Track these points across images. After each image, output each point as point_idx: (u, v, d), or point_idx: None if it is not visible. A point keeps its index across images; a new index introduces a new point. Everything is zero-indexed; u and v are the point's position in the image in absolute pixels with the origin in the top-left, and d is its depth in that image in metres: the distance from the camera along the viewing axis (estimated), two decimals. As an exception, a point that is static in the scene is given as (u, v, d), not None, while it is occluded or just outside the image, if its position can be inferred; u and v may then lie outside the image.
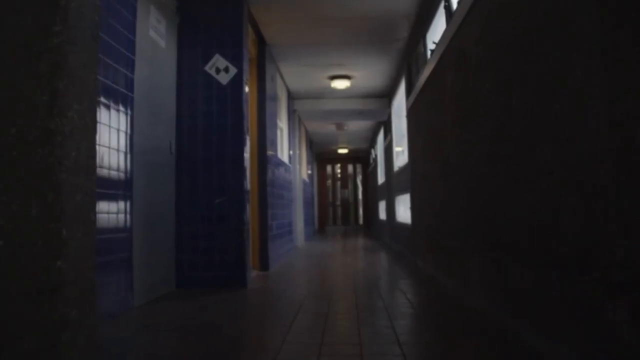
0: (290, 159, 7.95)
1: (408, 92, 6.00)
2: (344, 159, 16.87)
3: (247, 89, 4.52)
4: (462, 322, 2.69)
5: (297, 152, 9.06)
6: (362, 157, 16.53)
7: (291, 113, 8.28)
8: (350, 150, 15.60)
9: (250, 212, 5.20)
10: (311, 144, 13.13)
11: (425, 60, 4.80)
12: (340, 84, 7.20)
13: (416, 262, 5.51)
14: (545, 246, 1.98)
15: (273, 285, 4.34)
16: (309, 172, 12.45)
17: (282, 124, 7.51)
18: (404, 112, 6.59)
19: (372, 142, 13.18)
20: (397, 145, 7.94)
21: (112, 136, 3.03)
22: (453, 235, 3.66)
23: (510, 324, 2.39)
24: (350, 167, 17.13)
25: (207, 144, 4.24)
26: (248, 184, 4.37)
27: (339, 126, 10.93)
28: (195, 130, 4.26)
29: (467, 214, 3.20)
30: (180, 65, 4.34)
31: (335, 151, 15.65)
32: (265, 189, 5.35)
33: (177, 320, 2.90)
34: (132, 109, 3.31)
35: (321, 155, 16.37)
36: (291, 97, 8.27)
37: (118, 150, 3.11)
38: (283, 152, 7.49)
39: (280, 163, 6.61)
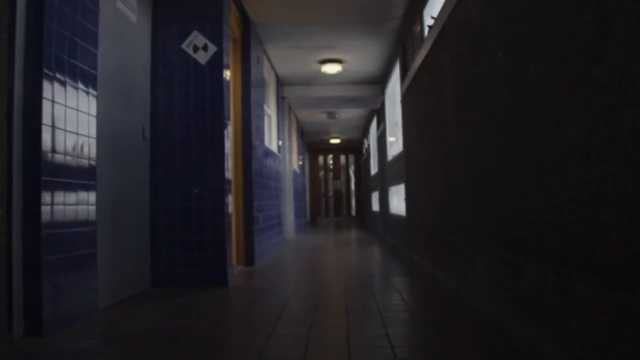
0: (280, 149, 7.58)
1: (403, 76, 5.64)
2: (336, 150, 16.52)
3: (228, 70, 4.15)
4: (468, 330, 2.35)
5: (287, 141, 8.69)
6: (354, 148, 16.19)
7: (280, 100, 7.91)
8: (342, 141, 15.24)
9: (235, 203, 4.84)
10: (302, 133, 12.76)
11: (422, 41, 4.44)
12: (331, 69, 6.83)
13: (412, 256, 5.18)
14: (573, 246, 1.64)
15: (257, 282, 3.99)
16: (300, 163, 12.09)
17: (271, 111, 7.14)
18: (398, 99, 6.25)
19: (365, 132, 12.83)
20: (391, 135, 7.59)
21: (69, 117, 2.66)
22: (454, 229, 3.32)
23: (530, 335, 2.06)
24: (342, 158, 16.79)
25: (185, 129, 3.87)
26: (230, 173, 4.01)
27: (331, 115, 10.56)
28: (172, 114, 3.89)
29: (472, 206, 2.87)
30: (155, 43, 3.95)
31: (327, 141, 15.28)
32: (251, 178, 4.99)
33: (141, 325, 2.55)
34: (95, 89, 2.93)
35: (313, 145, 16.00)
36: (280, 83, 7.89)
37: (78, 134, 2.73)
38: (271, 140, 7.13)
39: (268, 152, 6.25)
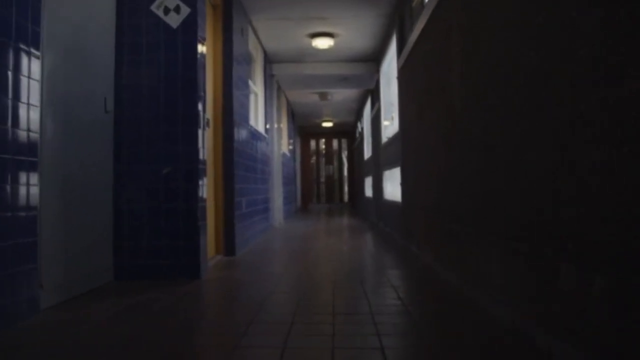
0: (267, 130, 7.11)
1: (399, 50, 5.17)
2: (328, 133, 16.03)
3: (204, 36, 3.67)
4: (481, 341, 1.93)
5: (276, 123, 8.22)
6: (347, 132, 15.71)
7: (268, 78, 7.42)
8: (335, 124, 14.75)
9: (213, 186, 4.39)
10: (293, 115, 12.26)
11: (422, 7, 3.97)
12: (322, 43, 6.34)
13: (408, 246, 4.77)
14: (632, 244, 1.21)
15: (235, 275, 3.56)
16: (290, 147, 11.61)
17: (257, 89, 6.66)
18: (394, 77, 5.79)
19: (359, 115, 12.37)
20: (386, 116, 7.13)
21: (1, 79, 2.19)
22: (459, 217, 2.89)
23: (560, 351, 1.64)
24: (335, 143, 16.31)
25: (153, 101, 3.40)
26: (205, 152, 3.55)
27: (323, 96, 10.08)
28: (139, 85, 3.41)
29: (483, 191, 2.43)
30: (121, 4, 3.46)
31: (320, 124, 14.79)
32: (232, 159, 4.53)
33: (84, 330, 2.11)
34: (38, 48, 2.46)
35: (304, 129, 15.51)
36: (268, 60, 7.39)
37: (13, 99, 2.27)
38: (258, 120, 6.66)
39: (254, 132, 5.78)
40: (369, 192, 9.79)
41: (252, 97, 6.47)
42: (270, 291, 2.88)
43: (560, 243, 1.60)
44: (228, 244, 4.49)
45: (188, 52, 3.42)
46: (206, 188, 3.68)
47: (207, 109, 4.22)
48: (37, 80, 2.45)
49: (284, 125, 10.29)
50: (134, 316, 2.35)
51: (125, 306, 2.55)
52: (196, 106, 3.39)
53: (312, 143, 16.20)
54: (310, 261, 4.12)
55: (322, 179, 16.49)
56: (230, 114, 4.54)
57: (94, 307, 2.55)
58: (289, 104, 11.05)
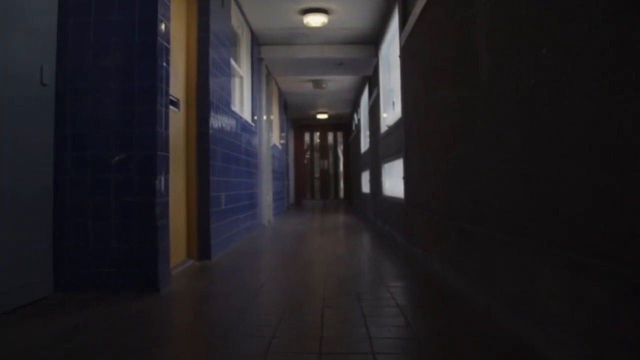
0: (255, 119, 6.46)
1: (402, 26, 4.53)
2: (323, 126, 15.35)
3: (169, -7, 3.01)
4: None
5: (266, 111, 7.55)
6: (343, 125, 15.05)
7: (256, 62, 6.76)
8: (330, 116, 14.09)
9: (185, 179, 3.76)
10: (286, 106, 11.60)
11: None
12: (315, 20, 5.68)
13: (411, 250, 4.14)
14: None
15: (204, 286, 2.92)
16: (282, 142, 10.94)
17: (243, 72, 6.00)
18: (394, 61, 5.15)
19: (355, 106, 11.72)
20: (385, 106, 6.48)
21: None
22: (482, 218, 2.26)
23: None
24: (330, 136, 15.63)
25: (103, 72, 2.76)
26: (166, 136, 2.91)
27: (317, 84, 9.42)
28: (84, 52, 2.76)
29: (527, 182, 1.80)
30: (64, -48, 2.81)
31: (314, 116, 14.13)
32: (207, 147, 3.88)
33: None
34: None
35: (298, 121, 14.85)
36: (256, 41, 6.73)
37: None
38: (244, 107, 6.01)
39: (238, 120, 5.13)
40: (366, 187, 9.16)
41: (236, 82, 5.82)
42: (244, 309, 2.25)
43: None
44: (202, 246, 3.85)
45: (147, 11, 2.77)
46: (170, 180, 3.04)
47: (177, 87, 3.57)
48: None
49: (276, 116, 9.63)
50: (61, 347, 1.70)
51: (58, 330, 1.91)
52: (155, 78, 2.75)
53: (307, 136, 15.52)
54: (298, 268, 3.49)
55: (317, 174, 15.83)
56: (205, 94, 3.89)
57: (19, 330, 1.91)
58: (280, 93, 10.39)
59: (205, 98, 3.88)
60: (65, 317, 2.16)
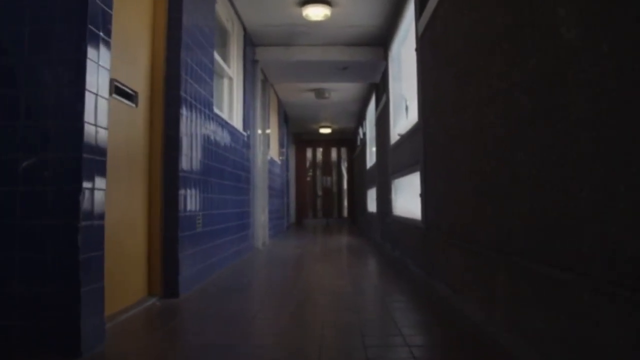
0: (246, 126, 5.66)
1: (420, 10, 3.75)
2: (326, 141, 14.55)
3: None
4: None
5: (262, 121, 6.76)
6: (347, 140, 14.25)
7: (250, 64, 5.99)
8: (334, 131, 13.30)
9: (146, 193, 2.95)
10: (286, 118, 10.82)
11: None
12: (315, 13, 4.91)
13: (434, 285, 3.29)
14: None
15: (154, 344, 2.08)
16: (282, 158, 10.13)
17: (232, 72, 5.22)
18: (406, 62, 4.37)
19: (360, 119, 10.94)
20: (394, 118, 5.67)
21: None
22: (559, 254, 1.43)
23: None
24: (334, 152, 14.83)
25: (10, 41, 1.96)
26: (103, 134, 2.09)
27: (320, 94, 8.64)
28: (-11, 16, 1.98)
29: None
30: None
31: (317, 131, 13.33)
32: (177, 156, 3.07)
33: None
34: None
35: (300, 136, 14.06)
36: (250, 41, 5.96)
37: None
38: (233, 113, 5.22)
39: (223, 125, 4.34)
40: (372, 206, 8.32)
41: (224, 82, 5.05)
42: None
43: None
44: (167, 280, 3.02)
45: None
46: (122, 195, 2.22)
47: (136, 76, 2.78)
48: None
49: (274, 128, 8.85)
50: None
51: None
52: (84, 50, 1.95)
53: (309, 152, 14.72)
54: (288, 313, 2.65)
55: (319, 192, 14.98)
56: (175, 88, 3.10)
57: None
58: (280, 104, 9.62)
59: (174, 93, 3.09)
60: None
